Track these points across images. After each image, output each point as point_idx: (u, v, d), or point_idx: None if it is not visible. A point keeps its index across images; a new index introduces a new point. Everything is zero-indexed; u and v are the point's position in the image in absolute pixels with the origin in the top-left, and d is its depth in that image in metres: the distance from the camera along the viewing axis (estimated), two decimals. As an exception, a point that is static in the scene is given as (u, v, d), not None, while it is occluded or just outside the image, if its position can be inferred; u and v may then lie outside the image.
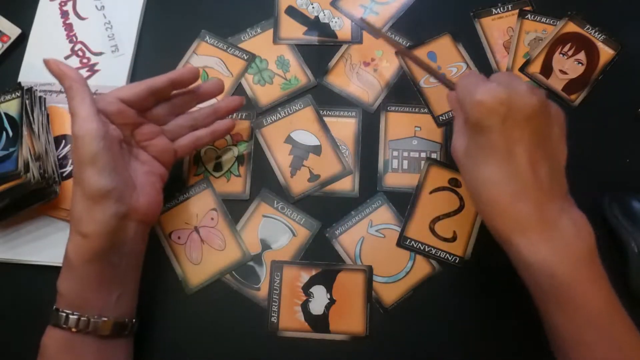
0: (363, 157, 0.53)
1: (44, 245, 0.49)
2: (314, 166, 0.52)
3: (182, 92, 0.47)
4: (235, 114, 0.54)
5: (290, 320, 0.47)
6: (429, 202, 0.51)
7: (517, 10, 0.58)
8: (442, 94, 0.54)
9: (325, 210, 0.51)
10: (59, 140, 0.50)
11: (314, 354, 0.47)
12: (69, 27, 0.57)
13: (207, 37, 0.57)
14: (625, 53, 0.55)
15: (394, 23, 0.57)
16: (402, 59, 0.56)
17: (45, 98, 0.51)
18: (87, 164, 0.38)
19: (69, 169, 0.50)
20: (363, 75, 0.56)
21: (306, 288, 0.48)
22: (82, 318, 0.39)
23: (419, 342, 0.47)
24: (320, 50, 0.57)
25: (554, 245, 0.36)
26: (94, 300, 0.40)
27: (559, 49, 0.56)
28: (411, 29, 0.57)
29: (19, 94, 0.48)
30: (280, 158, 0.53)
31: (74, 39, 0.57)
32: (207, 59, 0.56)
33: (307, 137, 0.53)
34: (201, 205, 0.51)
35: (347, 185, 0.52)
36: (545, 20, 0.57)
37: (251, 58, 0.56)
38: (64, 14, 0.58)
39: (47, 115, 0.50)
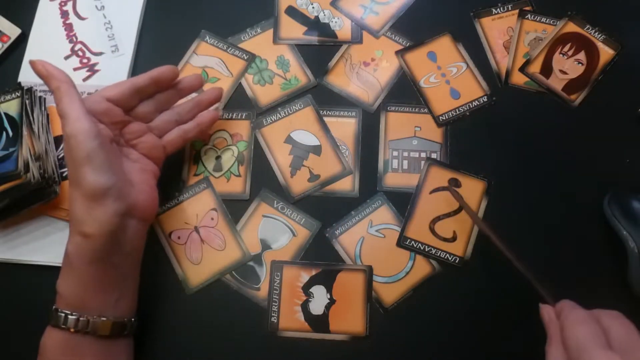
0: (363, 157, 0.53)
1: (44, 245, 0.49)
2: (314, 166, 0.52)
3: (164, 88, 0.48)
4: (235, 114, 0.54)
5: (290, 320, 0.47)
6: (429, 202, 0.51)
7: (517, 10, 0.58)
8: (442, 94, 0.54)
9: (325, 210, 0.51)
10: (59, 140, 0.50)
11: (314, 354, 0.47)
12: (69, 27, 0.57)
13: (207, 37, 0.57)
14: (625, 53, 0.55)
15: (394, 23, 0.57)
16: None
17: (45, 98, 0.51)
18: (84, 163, 0.38)
19: (69, 169, 0.50)
20: (363, 75, 0.56)
21: (306, 288, 0.48)
22: (82, 318, 0.39)
23: (419, 342, 0.47)
24: (320, 50, 0.57)
25: None
26: (94, 301, 0.40)
27: (559, 49, 0.56)
28: (411, 29, 0.57)
29: (19, 94, 0.48)
30: (280, 158, 0.53)
31: (74, 39, 0.57)
32: (207, 59, 0.56)
33: (307, 137, 0.53)
34: (201, 205, 0.51)
35: (347, 185, 0.52)
36: (545, 20, 0.57)
37: (251, 58, 0.56)
38: (64, 14, 0.58)
39: (47, 115, 0.50)
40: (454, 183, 0.51)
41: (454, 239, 0.50)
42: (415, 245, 0.49)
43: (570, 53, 0.56)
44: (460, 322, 0.47)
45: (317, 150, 0.53)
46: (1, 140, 0.46)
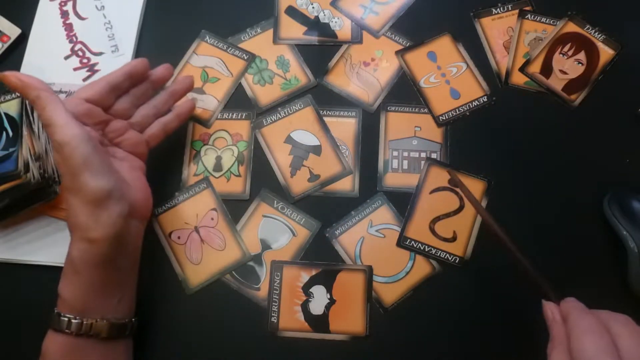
0: (363, 157, 0.53)
1: (44, 245, 0.49)
2: (314, 166, 0.52)
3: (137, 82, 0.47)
4: (235, 114, 0.54)
5: (290, 320, 0.47)
6: (429, 202, 0.51)
7: (517, 10, 0.58)
8: (442, 94, 0.54)
9: (325, 210, 0.51)
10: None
11: (314, 354, 0.47)
12: (69, 27, 0.57)
13: (207, 37, 0.57)
14: (625, 53, 0.55)
15: (394, 23, 0.57)
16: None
17: (45, 98, 0.51)
18: (82, 170, 0.37)
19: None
20: (363, 75, 0.56)
21: (306, 288, 0.48)
22: (85, 322, 0.39)
23: (419, 342, 0.47)
24: (320, 50, 0.57)
25: None
26: (97, 304, 0.40)
27: (559, 49, 0.56)
28: (411, 29, 0.57)
29: (19, 94, 0.48)
30: (280, 158, 0.53)
31: (74, 39, 0.57)
32: (207, 59, 0.56)
33: (307, 137, 0.53)
34: (201, 205, 0.51)
35: (347, 185, 0.52)
36: (545, 20, 0.57)
37: (251, 58, 0.56)
38: (64, 14, 0.58)
39: (47, 115, 0.50)
40: (454, 183, 0.51)
41: (454, 239, 0.50)
42: (415, 245, 0.49)
43: (570, 53, 0.56)
44: (460, 322, 0.47)
45: (317, 150, 0.53)
46: (1, 140, 0.46)
